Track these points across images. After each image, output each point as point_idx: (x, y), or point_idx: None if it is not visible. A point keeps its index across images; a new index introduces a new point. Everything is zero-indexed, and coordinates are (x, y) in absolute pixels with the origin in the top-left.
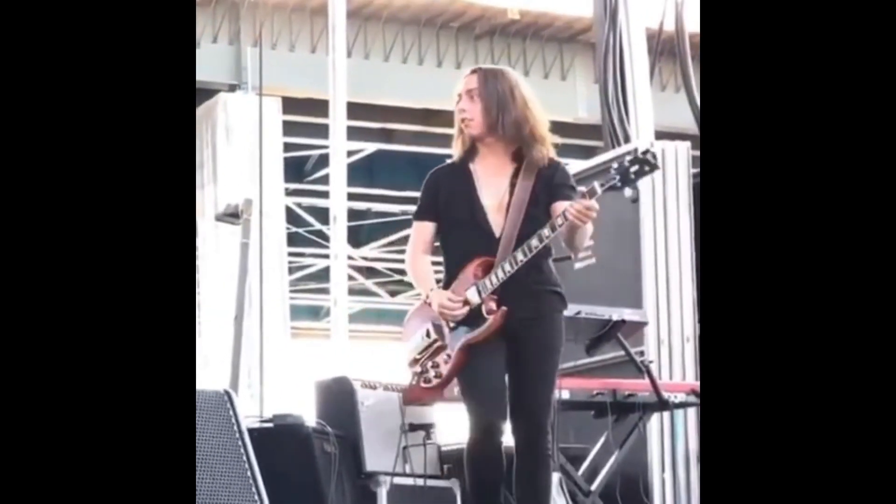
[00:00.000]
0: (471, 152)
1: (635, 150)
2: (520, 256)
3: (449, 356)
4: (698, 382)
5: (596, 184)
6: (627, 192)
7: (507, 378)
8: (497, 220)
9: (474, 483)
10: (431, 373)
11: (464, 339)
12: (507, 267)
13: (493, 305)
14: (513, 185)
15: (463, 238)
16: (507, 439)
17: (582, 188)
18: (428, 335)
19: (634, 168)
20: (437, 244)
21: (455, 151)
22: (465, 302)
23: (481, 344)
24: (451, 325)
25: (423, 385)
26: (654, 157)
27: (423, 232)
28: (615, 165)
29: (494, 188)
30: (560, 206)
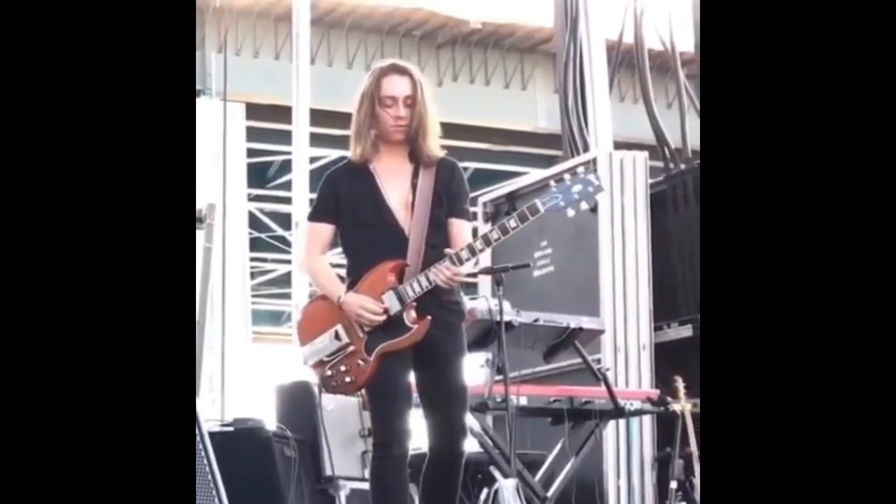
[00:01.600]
0: (371, 151)
1: (576, 169)
2: (432, 275)
3: (364, 361)
4: (653, 390)
5: (538, 202)
6: (570, 212)
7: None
8: (404, 219)
9: (377, 499)
10: (345, 378)
11: (384, 346)
12: (430, 276)
13: (414, 315)
14: (414, 186)
15: (370, 238)
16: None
17: (449, 250)
18: (338, 337)
19: (577, 188)
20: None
21: (355, 152)
22: (385, 309)
23: (395, 353)
24: (366, 329)
25: (332, 390)
26: (598, 178)
27: (320, 233)
28: (554, 183)
29: (398, 187)
30: (455, 226)
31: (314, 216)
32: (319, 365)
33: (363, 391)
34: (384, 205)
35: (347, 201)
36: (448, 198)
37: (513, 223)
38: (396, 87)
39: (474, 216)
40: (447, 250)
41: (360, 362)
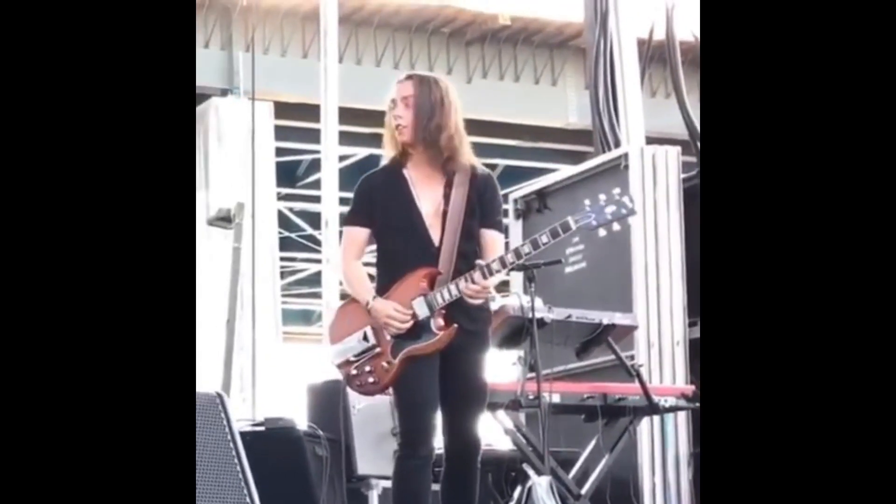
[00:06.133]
0: (403, 157)
1: (612, 190)
2: (462, 284)
3: (389, 364)
4: (688, 386)
5: (570, 219)
6: (602, 232)
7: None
8: (435, 227)
9: (400, 499)
10: (368, 378)
11: (408, 350)
12: (460, 285)
13: (441, 322)
14: (447, 196)
15: (401, 245)
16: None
17: (480, 261)
18: (366, 339)
19: (611, 209)
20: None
21: (386, 154)
22: (413, 315)
23: (420, 357)
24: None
25: (356, 389)
26: (631, 200)
27: (356, 237)
28: (588, 202)
29: (430, 195)
30: (487, 237)
31: (349, 220)
32: (345, 364)
33: (391, 392)
34: (416, 211)
35: (381, 205)
36: (481, 208)
37: (544, 238)
38: (400, 89)
39: (505, 213)
40: (478, 261)
41: (385, 364)
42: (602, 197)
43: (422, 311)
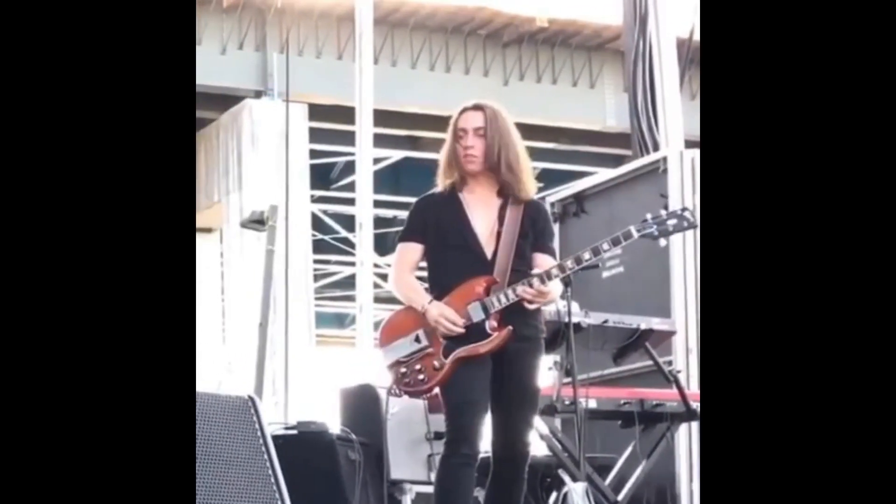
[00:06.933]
0: (460, 183)
1: (675, 209)
2: (520, 289)
3: (440, 364)
4: None
5: (632, 228)
6: (662, 242)
7: (489, 393)
8: (489, 245)
9: (441, 496)
10: (418, 376)
11: (460, 351)
12: (518, 289)
13: (496, 324)
14: (501, 217)
15: (456, 260)
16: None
17: (538, 269)
18: (418, 340)
19: (672, 222)
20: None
21: (441, 181)
22: (467, 318)
23: (472, 358)
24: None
25: (404, 388)
26: (693, 215)
27: (410, 253)
28: (650, 215)
29: (485, 217)
30: (540, 259)
31: (404, 236)
32: (395, 365)
33: (438, 392)
34: (470, 230)
35: (436, 224)
36: (534, 232)
37: (605, 246)
38: (469, 119)
39: None
40: (536, 270)
41: (436, 363)
42: (664, 212)
43: (476, 314)
